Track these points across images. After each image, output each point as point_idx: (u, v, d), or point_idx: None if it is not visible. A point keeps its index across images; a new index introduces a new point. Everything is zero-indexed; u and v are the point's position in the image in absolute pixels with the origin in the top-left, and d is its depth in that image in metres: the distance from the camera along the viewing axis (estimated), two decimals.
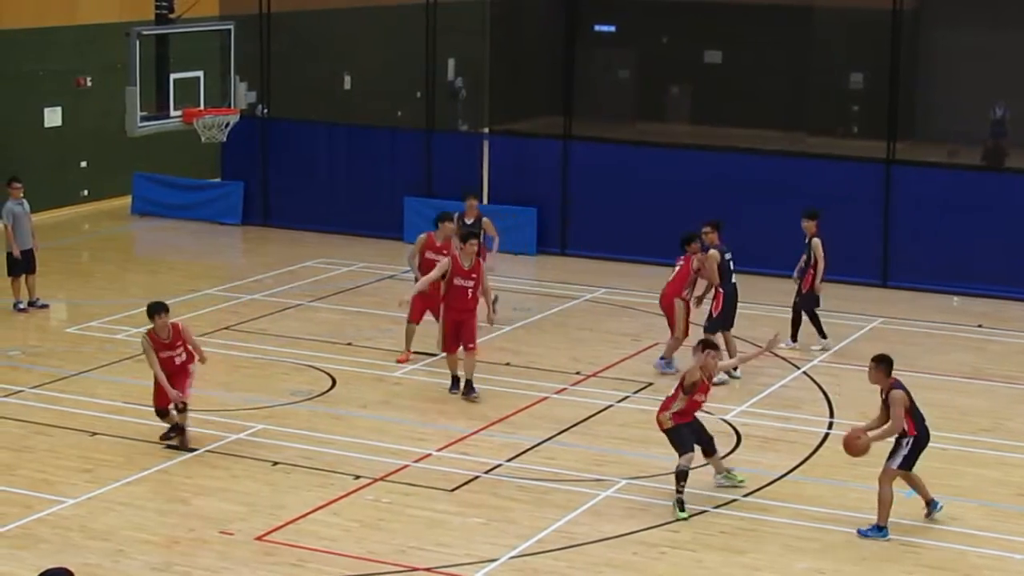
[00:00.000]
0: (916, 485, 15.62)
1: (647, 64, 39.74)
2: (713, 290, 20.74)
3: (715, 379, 16.71)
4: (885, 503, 15.23)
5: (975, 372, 21.20)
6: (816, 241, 21.89)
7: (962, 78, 35.87)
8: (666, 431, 15.91)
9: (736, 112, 36.40)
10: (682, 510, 15.62)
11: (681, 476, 15.64)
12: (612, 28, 39.86)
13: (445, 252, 20.37)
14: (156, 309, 17.33)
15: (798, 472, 17.15)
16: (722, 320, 20.66)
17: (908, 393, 15.28)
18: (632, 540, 15.13)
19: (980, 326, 23.59)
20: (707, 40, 38.58)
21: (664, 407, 15.96)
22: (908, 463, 15.27)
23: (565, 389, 20.02)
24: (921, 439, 15.27)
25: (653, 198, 27.17)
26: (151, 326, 17.31)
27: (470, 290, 19.48)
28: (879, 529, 15.23)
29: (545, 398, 19.64)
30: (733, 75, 38.15)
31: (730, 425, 18.63)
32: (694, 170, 27.28)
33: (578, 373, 20.71)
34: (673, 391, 15.99)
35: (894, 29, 26.26)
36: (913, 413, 15.27)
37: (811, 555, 14.88)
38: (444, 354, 19.84)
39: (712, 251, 20.50)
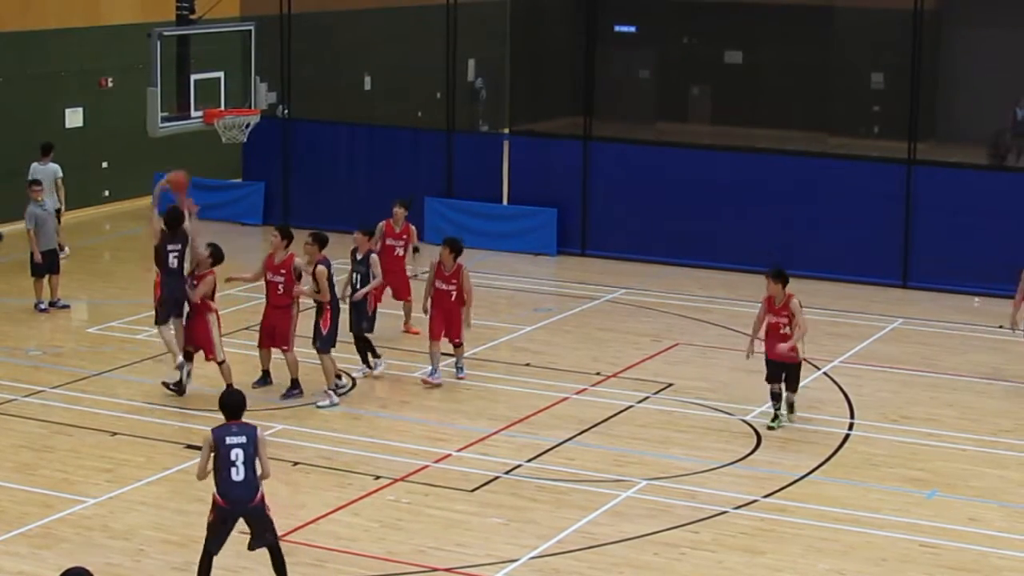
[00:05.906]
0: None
1: (668, 64, 39.64)
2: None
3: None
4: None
5: (996, 373, 21.14)
6: (374, 257, 20.65)
7: (984, 78, 35.74)
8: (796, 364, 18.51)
9: (757, 112, 36.29)
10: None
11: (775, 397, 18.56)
12: (632, 28, 39.77)
13: (405, 237, 22.05)
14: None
15: (819, 473, 17.12)
16: (332, 339, 19.51)
17: None
18: (653, 541, 15.12)
19: (1001, 327, 23.48)
20: (728, 41, 38.45)
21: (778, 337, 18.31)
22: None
23: (585, 389, 20.01)
24: None
25: (674, 199, 27.14)
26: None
27: (280, 285, 19.66)
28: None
29: (565, 398, 19.63)
30: (754, 75, 38.06)
31: (750, 426, 18.61)
32: (715, 171, 27.25)
33: (598, 374, 20.70)
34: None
35: (915, 29, 26.21)
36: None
37: (832, 556, 14.85)
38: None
39: (320, 267, 19.38)
